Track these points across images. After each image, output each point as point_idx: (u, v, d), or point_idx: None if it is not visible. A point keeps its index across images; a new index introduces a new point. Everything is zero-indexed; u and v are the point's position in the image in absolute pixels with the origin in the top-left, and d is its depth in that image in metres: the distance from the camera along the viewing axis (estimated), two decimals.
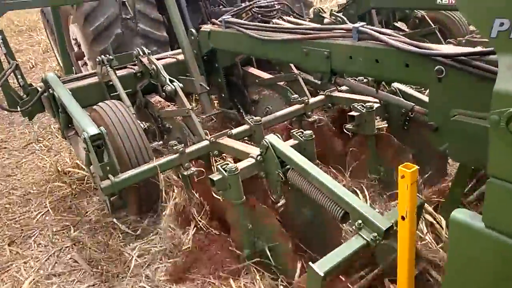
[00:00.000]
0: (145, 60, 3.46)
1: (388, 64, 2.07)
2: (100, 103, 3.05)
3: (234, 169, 2.07)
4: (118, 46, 4.59)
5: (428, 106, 1.98)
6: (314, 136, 2.36)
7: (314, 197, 2.00)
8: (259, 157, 2.27)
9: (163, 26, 5.02)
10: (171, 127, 3.50)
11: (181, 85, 3.15)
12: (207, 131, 3.30)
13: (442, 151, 1.98)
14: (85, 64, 5.31)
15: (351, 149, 2.95)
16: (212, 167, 2.87)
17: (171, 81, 3.17)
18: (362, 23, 2.19)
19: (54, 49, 7.39)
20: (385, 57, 2.06)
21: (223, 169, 2.10)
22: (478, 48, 1.70)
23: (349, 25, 2.23)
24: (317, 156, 2.43)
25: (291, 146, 2.33)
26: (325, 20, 4.38)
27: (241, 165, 2.26)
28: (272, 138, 2.22)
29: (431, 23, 4.48)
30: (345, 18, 4.17)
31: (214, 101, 4.42)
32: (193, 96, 4.47)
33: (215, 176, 2.11)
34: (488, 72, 1.65)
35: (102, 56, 3.44)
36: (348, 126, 2.78)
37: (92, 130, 2.40)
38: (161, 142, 3.27)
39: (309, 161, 2.08)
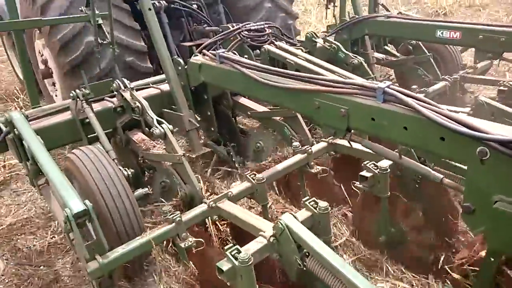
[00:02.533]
0: (127, 95, 3.09)
1: (419, 134, 1.83)
2: (75, 151, 2.65)
3: (247, 259, 1.77)
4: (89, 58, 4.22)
5: (465, 184, 1.77)
6: (329, 208, 2.11)
7: None
8: (272, 238, 2.00)
9: (139, 35, 4.64)
10: (155, 169, 3.17)
11: (170, 127, 2.81)
12: (199, 176, 3.00)
13: (476, 234, 1.79)
14: (53, 84, 4.85)
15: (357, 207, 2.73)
16: (210, 235, 2.58)
17: (159, 122, 2.82)
18: (388, 83, 1.94)
19: (14, 65, 6.82)
20: (415, 126, 1.83)
21: (233, 256, 1.81)
22: None
23: (373, 84, 1.98)
24: None
25: (305, 220, 2.07)
26: (318, 45, 4.13)
27: (252, 247, 1.96)
28: (288, 219, 1.95)
29: (425, 50, 4.34)
30: (340, 45, 3.93)
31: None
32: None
33: (224, 265, 1.82)
34: None
35: (77, 91, 3.06)
36: (359, 185, 2.55)
37: (76, 205, 1.99)
38: (146, 189, 2.92)
39: (333, 252, 1.82)
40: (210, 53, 3.06)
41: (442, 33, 3.53)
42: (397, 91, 1.90)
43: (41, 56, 4.74)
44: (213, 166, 3.96)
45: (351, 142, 2.40)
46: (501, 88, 3.55)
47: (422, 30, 3.73)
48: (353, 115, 2.09)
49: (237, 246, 1.85)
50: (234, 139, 3.92)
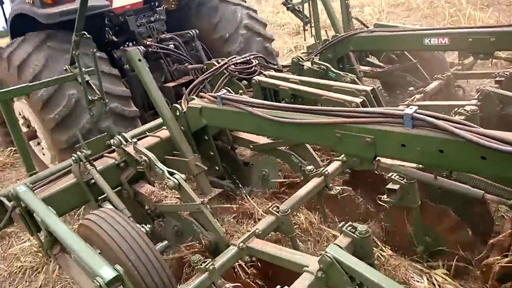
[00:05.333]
0: (130, 149, 2.98)
1: (457, 156, 1.82)
2: (90, 216, 2.52)
3: None
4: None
5: None
6: (370, 231, 2.06)
7: None
8: (320, 272, 1.93)
9: (120, 80, 4.55)
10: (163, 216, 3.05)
11: (183, 176, 2.72)
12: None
13: None
14: (39, 144, 4.65)
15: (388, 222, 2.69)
16: (241, 277, 2.47)
17: (171, 173, 2.72)
18: (414, 108, 1.93)
19: None
20: (452, 148, 1.81)
21: None
22: None
23: (399, 111, 1.96)
24: None
25: (346, 247, 2.01)
26: (305, 68, 4.14)
27: (299, 286, 1.91)
28: (335, 251, 1.89)
29: (411, 57, 4.41)
30: (329, 65, 3.95)
31: None
32: None
33: None
34: None
35: (78, 153, 2.91)
36: (386, 199, 2.50)
37: (108, 272, 1.89)
38: (166, 242, 2.79)
39: (391, 280, 1.77)
40: (209, 95, 2.98)
41: (430, 40, 3.57)
42: (428, 115, 1.88)
43: (22, 117, 4.55)
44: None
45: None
46: (498, 79, 3.59)
47: (409, 40, 3.77)
48: (380, 143, 2.05)
49: None
50: (237, 171, 3.84)
